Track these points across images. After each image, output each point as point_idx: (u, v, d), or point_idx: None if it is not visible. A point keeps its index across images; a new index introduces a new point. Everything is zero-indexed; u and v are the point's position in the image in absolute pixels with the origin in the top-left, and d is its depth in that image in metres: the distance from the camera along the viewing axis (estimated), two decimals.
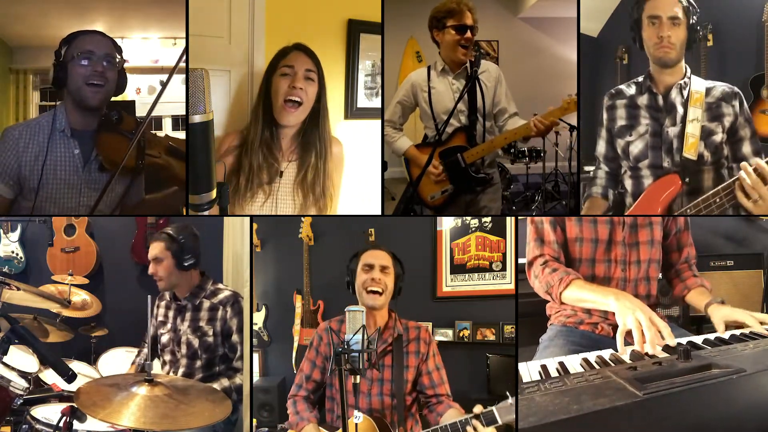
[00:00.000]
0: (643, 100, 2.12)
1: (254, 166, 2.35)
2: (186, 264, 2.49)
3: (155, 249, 2.50)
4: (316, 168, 2.39)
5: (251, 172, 2.36)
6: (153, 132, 2.36)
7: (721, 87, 2.07)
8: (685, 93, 2.05)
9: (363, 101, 2.95)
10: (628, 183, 2.20)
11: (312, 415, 2.28)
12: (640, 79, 2.17)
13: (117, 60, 2.29)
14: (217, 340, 2.51)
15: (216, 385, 2.45)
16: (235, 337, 2.52)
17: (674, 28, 2.00)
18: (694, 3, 2.01)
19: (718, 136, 2.03)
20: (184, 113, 2.07)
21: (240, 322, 2.53)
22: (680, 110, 2.05)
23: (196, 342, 2.51)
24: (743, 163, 1.77)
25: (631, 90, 2.18)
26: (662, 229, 2.18)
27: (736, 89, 2.07)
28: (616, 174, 2.20)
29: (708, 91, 2.04)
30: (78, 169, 2.26)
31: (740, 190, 1.77)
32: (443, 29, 2.65)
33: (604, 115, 2.19)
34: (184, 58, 2.41)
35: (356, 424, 1.94)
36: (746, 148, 2.04)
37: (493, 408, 1.90)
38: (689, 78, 2.07)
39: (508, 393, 1.86)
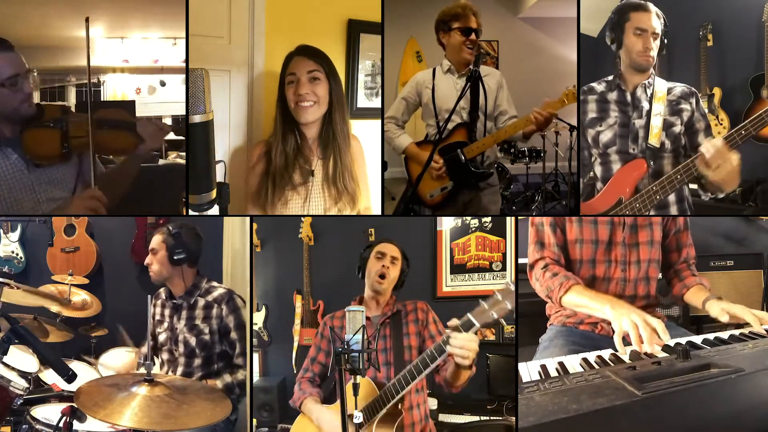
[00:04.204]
0: (612, 96, 2.38)
1: (280, 168, 2.38)
2: (175, 258, 2.50)
3: (154, 241, 2.57)
4: (335, 161, 2.42)
5: (277, 176, 2.39)
6: (78, 114, 2.32)
7: (680, 87, 2.35)
8: (650, 91, 2.33)
9: (363, 101, 2.95)
10: (598, 169, 2.41)
11: (314, 391, 2.37)
12: (610, 78, 2.42)
13: (28, 68, 2.24)
14: (213, 338, 2.52)
15: (218, 382, 2.46)
16: (233, 335, 2.53)
17: (654, 40, 2.28)
18: (665, 17, 2.30)
19: (677, 128, 2.31)
20: (184, 113, 2.06)
21: (237, 319, 2.53)
22: (645, 105, 2.33)
23: (192, 340, 2.51)
24: (708, 142, 2.09)
25: (601, 87, 2.42)
26: (662, 230, 2.22)
27: (693, 89, 2.36)
28: (584, 163, 2.48)
29: (669, 90, 2.33)
30: (23, 171, 2.26)
31: (702, 163, 2.07)
32: (449, 31, 2.75)
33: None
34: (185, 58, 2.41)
35: (356, 424, 1.94)
36: (700, 138, 2.31)
37: (468, 314, 1.96)
38: (653, 79, 2.34)
39: (480, 300, 1.94)
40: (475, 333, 1.98)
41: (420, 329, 2.38)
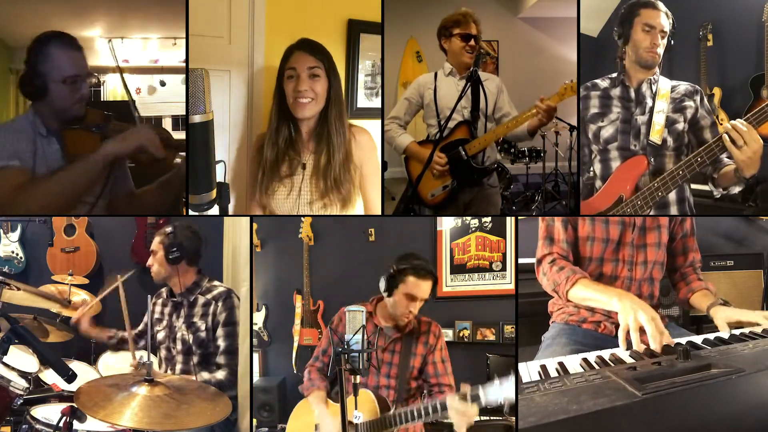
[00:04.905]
0: (616, 92, 2.37)
1: (270, 160, 2.38)
2: (171, 257, 2.52)
3: (154, 242, 2.62)
4: (328, 157, 2.38)
5: (268, 166, 2.39)
6: (120, 122, 2.34)
7: (684, 85, 2.34)
8: (654, 88, 2.32)
9: (363, 101, 2.95)
10: (597, 167, 2.39)
11: (322, 384, 2.43)
12: (614, 75, 2.40)
13: (88, 71, 2.27)
14: (209, 335, 2.53)
15: (197, 378, 2.46)
16: (219, 331, 2.52)
17: (662, 38, 2.28)
18: (674, 20, 2.30)
19: (680, 125, 2.29)
20: (184, 113, 2.06)
21: (229, 316, 2.53)
22: (649, 102, 2.30)
23: (189, 338, 2.52)
24: (731, 122, 2.05)
25: (605, 83, 2.41)
26: (669, 233, 2.22)
27: (697, 87, 2.34)
28: (584, 161, 2.46)
29: (673, 88, 2.32)
30: (60, 163, 2.27)
31: (728, 140, 2.04)
32: (450, 37, 2.84)
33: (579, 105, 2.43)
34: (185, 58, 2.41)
35: (356, 424, 1.95)
36: (706, 134, 2.29)
37: (479, 387, 1.97)
38: (658, 76, 2.33)
39: (496, 376, 1.92)
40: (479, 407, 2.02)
41: (426, 352, 2.42)
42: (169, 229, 2.58)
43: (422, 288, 2.36)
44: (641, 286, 2.19)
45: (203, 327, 2.52)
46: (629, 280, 2.18)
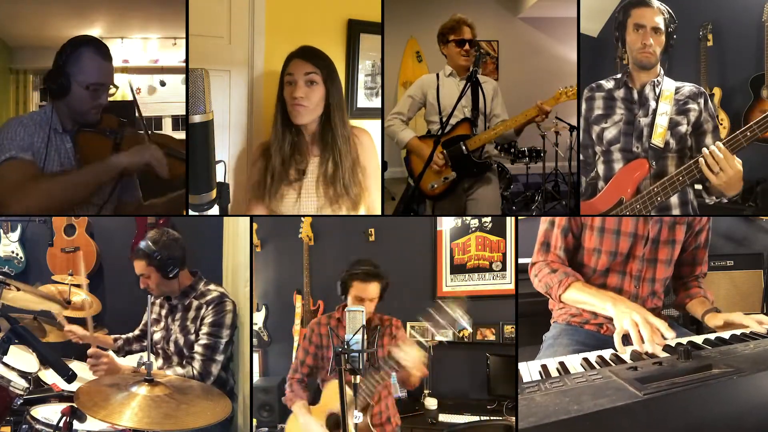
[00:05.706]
0: (619, 93, 2.34)
1: (277, 165, 2.39)
2: (171, 275, 2.51)
3: (139, 267, 2.54)
4: (335, 163, 2.39)
5: (275, 171, 2.39)
6: (133, 129, 2.36)
7: (688, 87, 2.30)
8: (658, 90, 2.28)
9: (363, 101, 2.95)
10: (601, 168, 2.37)
11: (304, 394, 2.55)
12: (618, 75, 2.39)
13: (113, 82, 2.30)
14: (196, 337, 2.52)
15: (170, 372, 2.45)
16: (202, 329, 2.51)
17: (656, 36, 2.23)
18: (672, 14, 2.26)
19: (683, 128, 2.25)
20: (184, 113, 2.06)
21: (215, 317, 2.50)
22: (652, 104, 2.27)
23: (181, 340, 2.52)
24: (710, 146, 2.05)
25: (610, 84, 2.39)
26: (681, 245, 2.18)
27: (702, 89, 2.30)
28: (588, 162, 2.45)
29: (677, 89, 2.28)
30: (71, 162, 2.29)
31: (705, 166, 2.04)
32: (447, 43, 3.01)
33: (583, 106, 2.41)
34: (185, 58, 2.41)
35: (356, 424, 1.94)
36: (708, 140, 2.24)
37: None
38: (662, 77, 2.30)
39: None
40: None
41: (390, 343, 2.48)
42: (149, 250, 2.49)
43: (368, 290, 2.47)
44: (645, 302, 2.16)
45: (192, 330, 2.53)
46: (634, 297, 2.13)
